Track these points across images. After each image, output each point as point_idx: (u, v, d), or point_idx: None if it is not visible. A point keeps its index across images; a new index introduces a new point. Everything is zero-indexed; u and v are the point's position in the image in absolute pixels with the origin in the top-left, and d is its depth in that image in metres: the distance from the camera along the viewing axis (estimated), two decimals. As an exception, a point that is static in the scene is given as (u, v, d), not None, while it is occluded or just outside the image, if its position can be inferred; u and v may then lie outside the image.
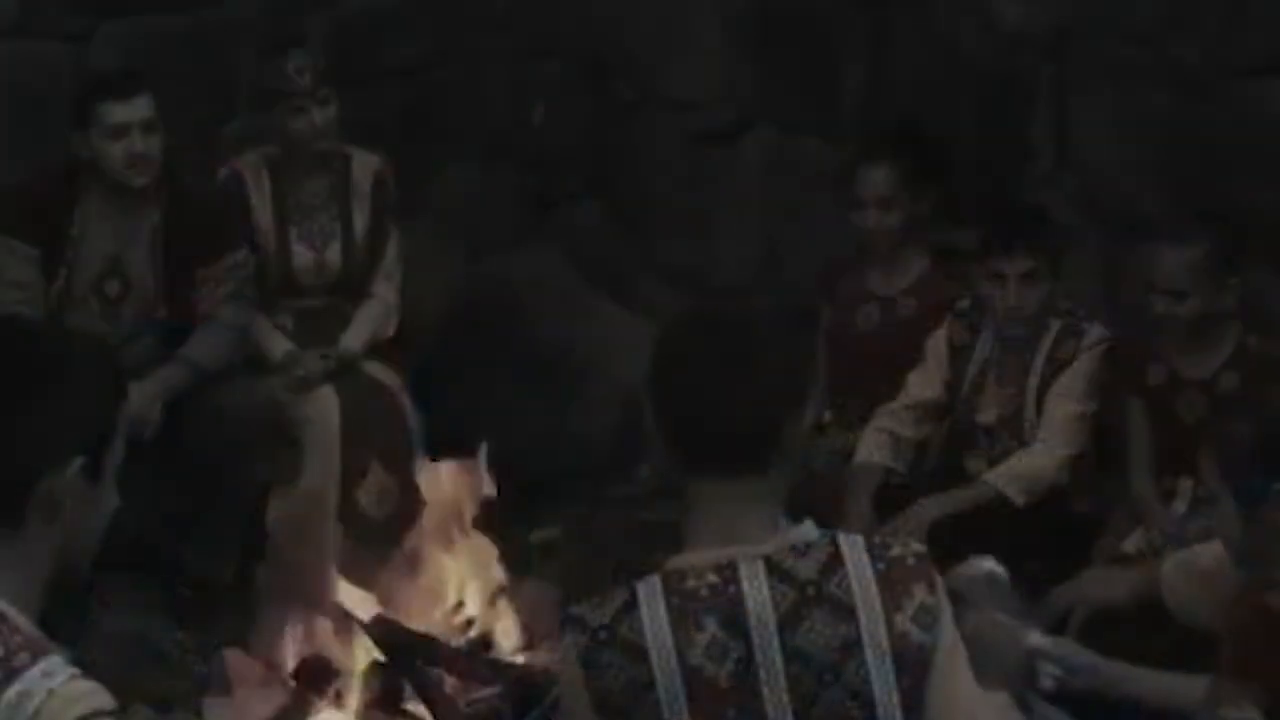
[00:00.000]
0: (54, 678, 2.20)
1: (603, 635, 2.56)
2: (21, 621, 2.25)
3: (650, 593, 2.57)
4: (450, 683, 4.72)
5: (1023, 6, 5.57)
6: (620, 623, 2.56)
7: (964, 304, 5.21)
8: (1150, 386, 4.86)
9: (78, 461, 2.30)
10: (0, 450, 2.28)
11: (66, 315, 5.41)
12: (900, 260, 5.46)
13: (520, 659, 4.87)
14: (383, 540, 5.36)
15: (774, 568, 2.57)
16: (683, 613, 2.55)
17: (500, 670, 4.76)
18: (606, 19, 6.70)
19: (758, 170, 6.42)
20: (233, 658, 4.96)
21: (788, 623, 2.55)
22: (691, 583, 2.57)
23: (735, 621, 2.55)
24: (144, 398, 5.28)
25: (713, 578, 2.57)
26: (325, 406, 5.55)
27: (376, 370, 5.73)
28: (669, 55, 6.57)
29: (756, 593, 2.56)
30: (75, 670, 2.22)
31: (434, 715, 4.64)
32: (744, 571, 2.57)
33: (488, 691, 4.70)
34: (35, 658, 2.21)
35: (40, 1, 6.23)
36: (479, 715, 4.66)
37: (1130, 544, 4.78)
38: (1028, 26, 5.56)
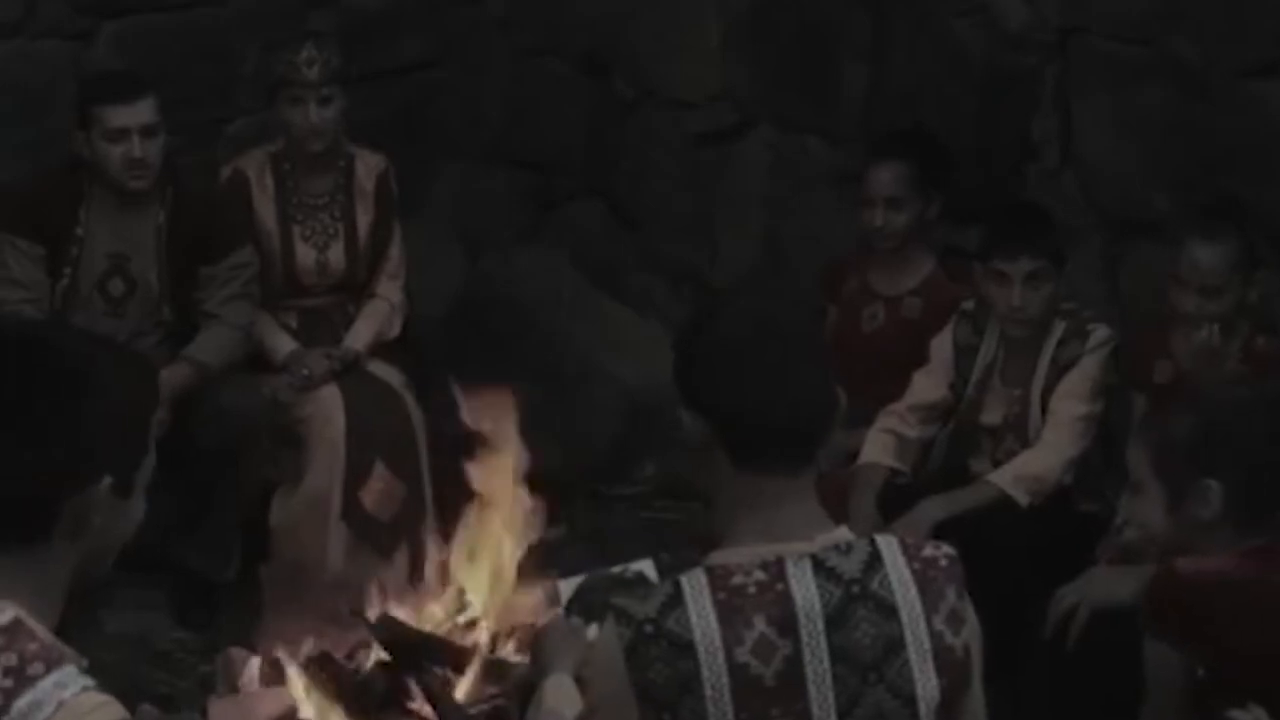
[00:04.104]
0: (66, 689, 2.18)
1: (648, 629, 2.55)
2: (39, 630, 2.24)
3: (696, 588, 2.57)
4: (456, 683, 4.71)
5: (1025, 6, 5.57)
6: (666, 617, 2.56)
7: (969, 305, 5.21)
8: (1155, 384, 4.86)
9: (107, 480, 2.28)
10: (28, 469, 2.26)
11: (71, 314, 5.42)
12: (906, 260, 5.47)
13: (526, 659, 4.86)
14: (387, 540, 5.35)
15: (819, 566, 2.58)
16: (730, 609, 2.55)
17: (506, 670, 4.75)
18: (606, 18, 6.71)
19: (758, 170, 6.43)
20: (237, 657, 4.95)
21: (835, 622, 2.56)
22: (738, 579, 2.57)
23: (784, 620, 2.55)
24: (148, 398, 5.28)
25: (760, 575, 2.57)
26: (329, 406, 5.56)
27: (380, 370, 5.73)
28: (669, 55, 6.57)
29: (804, 591, 2.56)
30: (89, 682, 2.20)
31: (439, 716, 4.63)
32: (791, 569, 2.57)
33: (493, 692, 4.69)
34: (50, 668, 2.20)
35: (43, 0, 6.23)
36: (484, 716, 4.65)
37: (1131, 531, 4.75)
38: (1030, 26, 5.57)
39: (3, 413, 2.27)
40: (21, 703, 2.17)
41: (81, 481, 2.27)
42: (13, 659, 2.20)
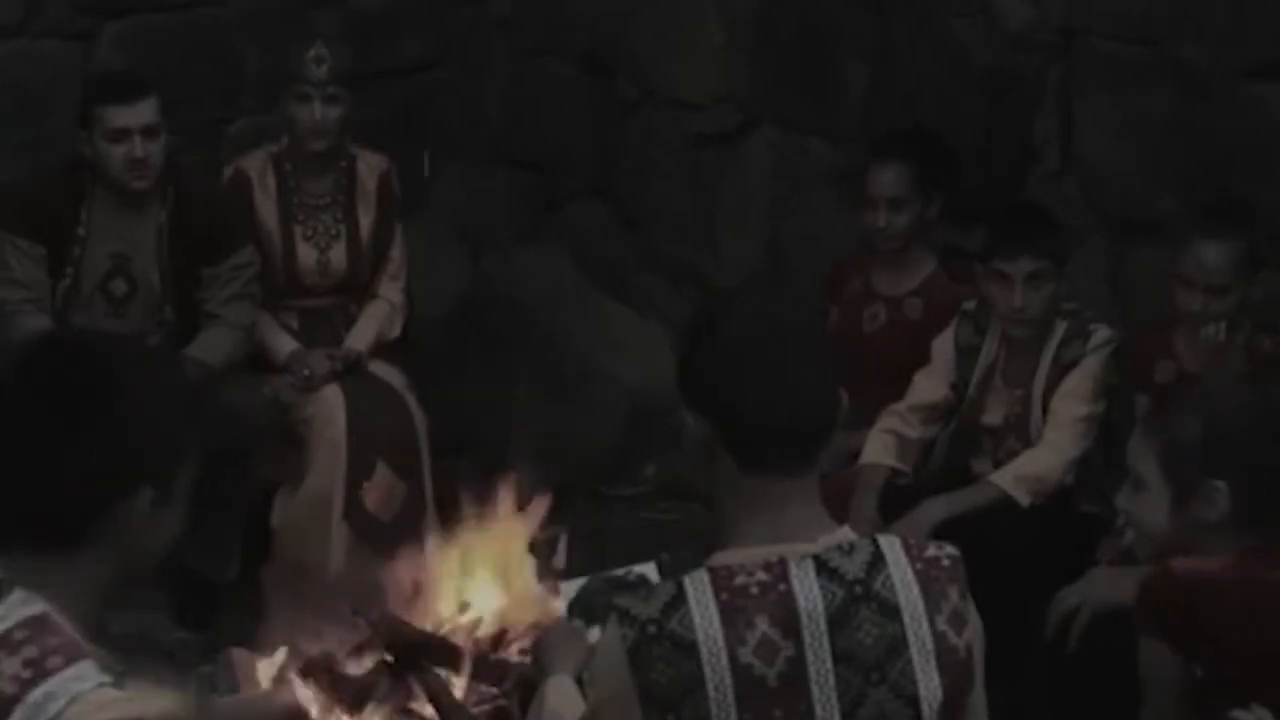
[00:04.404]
0: (82, 683, 2.20)
1: (651, 630, 2.55)
2: (65, 627, 2.26)
3: (699, 588, 2.57)
4: (457, 683, 4.71)
5: (1027, 6, 5.58)
6: (669, 617, 2.55)
7: (971, 305, 5.21)
8: (1158, 384, 4.86)
9: (148, 491, 2.28)
10: (67, 478, 2.26)
11: (72, 314, 5.43)
12: (907, 261, 5.47)
13: (527, 659, 4.86)
14: (389, 541, 5.35)
15: (822, 566, 2.57)
16: (733, 610, 2.55)
17: (507, 671, 4.75)
18: (607, 18, 6.71)
19: (760, 170, 6.43)
20: (239, 657, 4.95)
21: (837, 622, 2.56)
22: (741, 580, 2.56)
23: (786, 621, 2.55)
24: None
25: (763, 575, 2.56)
26: (331, 406, 5.56)
27: (382, 370, 5.73)
28: (671, 55, 6.58)
29: (807, 591, 2.56)
30: (106, 678, 2.22)
31: (441, 716, 4.63)
32: (794, 570, 2.57)
33: (495, 692, 4.69)
34: (69, 662, 2.22)
35: (44, 0, 6.23)
36: (485, 716, 4.65)
37: (1131, 538, 4.76)
38: (1031, 26, 5.57)
39: (35, 419, 2.28)
40: (37, 693, 2.20)
41: (119, 488, 2.28)
42: (34, 651, 2.22)
